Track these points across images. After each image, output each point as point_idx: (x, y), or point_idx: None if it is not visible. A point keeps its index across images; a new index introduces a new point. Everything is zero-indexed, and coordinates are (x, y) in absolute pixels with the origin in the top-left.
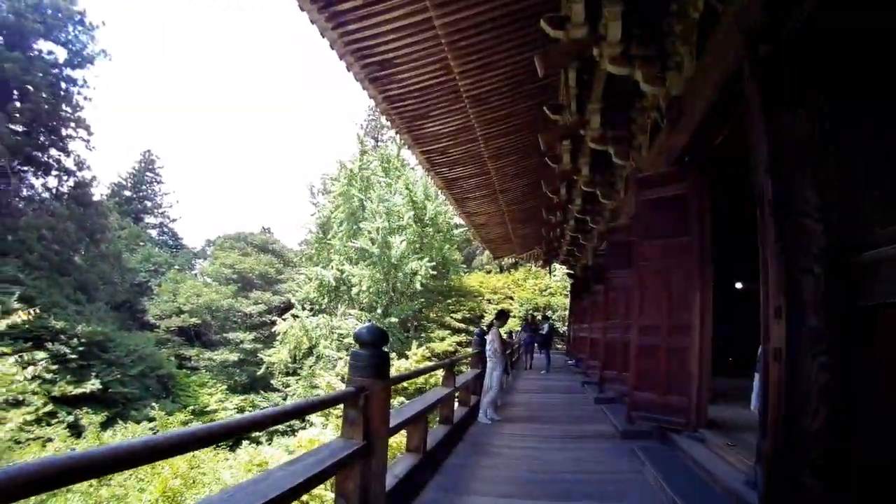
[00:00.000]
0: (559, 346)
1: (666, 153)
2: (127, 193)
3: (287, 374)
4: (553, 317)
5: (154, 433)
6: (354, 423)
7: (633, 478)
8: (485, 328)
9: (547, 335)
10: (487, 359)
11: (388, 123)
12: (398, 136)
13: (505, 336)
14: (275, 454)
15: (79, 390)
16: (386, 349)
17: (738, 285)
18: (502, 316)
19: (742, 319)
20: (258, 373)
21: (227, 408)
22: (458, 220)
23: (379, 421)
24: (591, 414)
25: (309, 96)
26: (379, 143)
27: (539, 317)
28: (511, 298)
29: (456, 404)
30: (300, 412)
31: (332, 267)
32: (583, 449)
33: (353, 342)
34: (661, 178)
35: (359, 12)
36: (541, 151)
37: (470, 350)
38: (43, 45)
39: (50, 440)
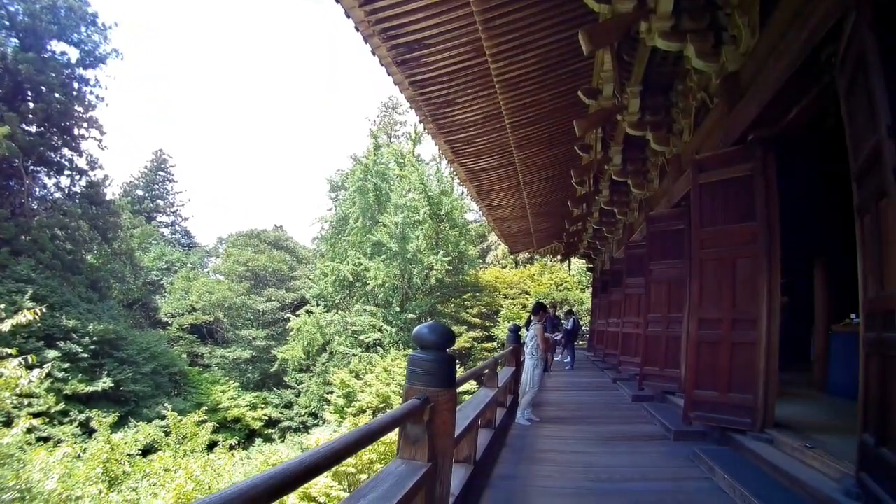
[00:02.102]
0: (582, 343)
1: (723, 133)
2: (139, 192)
3: (300, 370)
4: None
5: (166, 433)
6: (418, 442)
7: (703, 486)
8: (519, 324)
9: (572, 330)
10: (527, 356)
11: (404, 120)
12: (423, 125)
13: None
14: (289, 453)
15: (90, 389)
16: (450, 351)
17: None
18: (540, 310)
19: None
20: (271, 370)
21: (239, 405)
22: (474, 215)
23: (445, 437)
24: (632, 413)
25: (322, 93)
26: (392, 140)
27: (560, 311)
28: (527, 293)
29: None
30: (372, 436)
31: (348, 262)
32: (637, 452)
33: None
34: (722, 159)
35: None
36: (568, 141)
37: (489, 345)
38: (56, 46)
39: (61, 441)
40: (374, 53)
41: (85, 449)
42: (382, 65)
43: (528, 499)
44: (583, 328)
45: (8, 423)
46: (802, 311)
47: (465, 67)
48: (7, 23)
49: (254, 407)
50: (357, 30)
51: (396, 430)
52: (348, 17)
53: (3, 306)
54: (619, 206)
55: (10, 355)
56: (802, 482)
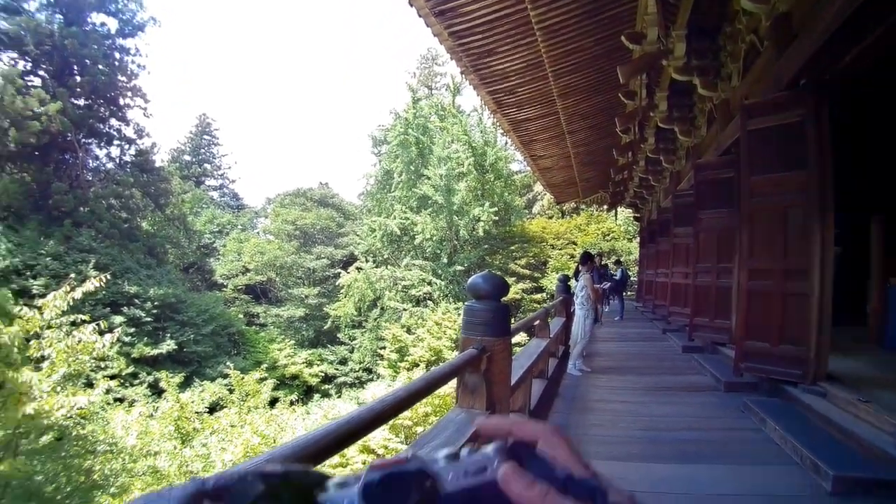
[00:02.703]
0: (630, 294)
1: (773, 78)
2: (187, 158)
3: (353, 326)
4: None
5: (230, 391)
6: (476, 390)
7: (753, 436)
8: (568, 273)
9: (621, 280)
10: (577, 306)
11: (444, 71)
12: (464, 75)
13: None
14: (347, 407)
15: (156, 351)
16: (504, 300)
17: None
18: (588, 259)
19: None
20: (324, 327)
21: (296, 362)
22: (518, 165)
23: (502, 384)
24: (682, 364)
25: (362, 50)
26: (433, 92)
27: (610, 261)
28: (574, 244)
29: None
30: (433, 386)
31: (395, 216)
32: (687, 403)
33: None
34: (773, 105)
35: None
36: (611, 88)
37: (538, 297)
38: (96, 18)
39: (135, 401)
40: (411, 4)
41: (157, 408)
42: (420, 16)
43: (580, 447)
44: (631, 278)
45: (89, 385)
46: (858, 264)
47: (505, 15)
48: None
49: (310, 364)
50: None
51: (453, 381)
52: None
53: (73, 276)
54: (666, 155)
55: (84, 321)
56: (856, 435)
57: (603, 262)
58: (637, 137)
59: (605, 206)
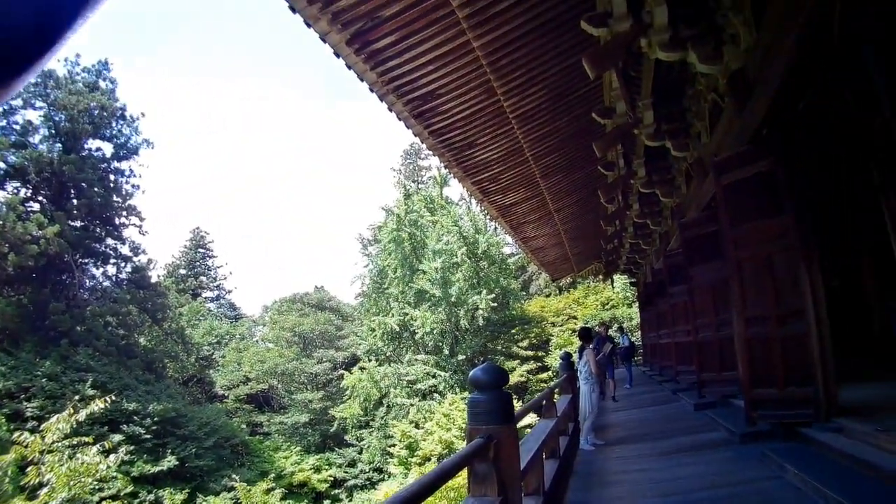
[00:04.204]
0: (637, 359)
1: (737, 132)
2: (182, 272)
3: (360, 427)
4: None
5: None
6: (486, 479)
7: (774, 485)
8: (570, 352)
9: (627, 348)
10: (582, 381)
11: (428, 164)
12: (448, 169)
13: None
14: None
15: (157, 468)
16: (506, 388)
17: None
18: (588, 335)
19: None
20: (331, 430)
21: (303, 469)
22: (510, 248)
23: (511, 470)
24: (696, 422)
25: (345, 149)
26: (420, 186)
27: (610, 330)
28: (574, 318)
29: None
30: (441, 479)
31: (393, 314)
32: (705, 461)
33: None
34: (741, 157)
35: (396, 47)
36: (592, 162)
37: (544, 376)
38: (92, 143)
39: None
40: (390, 109)
41: None
42: (400, 119)
43: None
44: (635, 343)
45: None
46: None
47: (480, 109)
48: (53, 131)
49: (318, 469)
50: (372, 91)
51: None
52: (362, 79)
53: (74, 396)
54: (652, 218)
55: (87, 443)
56: (878, 466)
57: (608, 332)
58: (622, 205)
59: (601, 276)
